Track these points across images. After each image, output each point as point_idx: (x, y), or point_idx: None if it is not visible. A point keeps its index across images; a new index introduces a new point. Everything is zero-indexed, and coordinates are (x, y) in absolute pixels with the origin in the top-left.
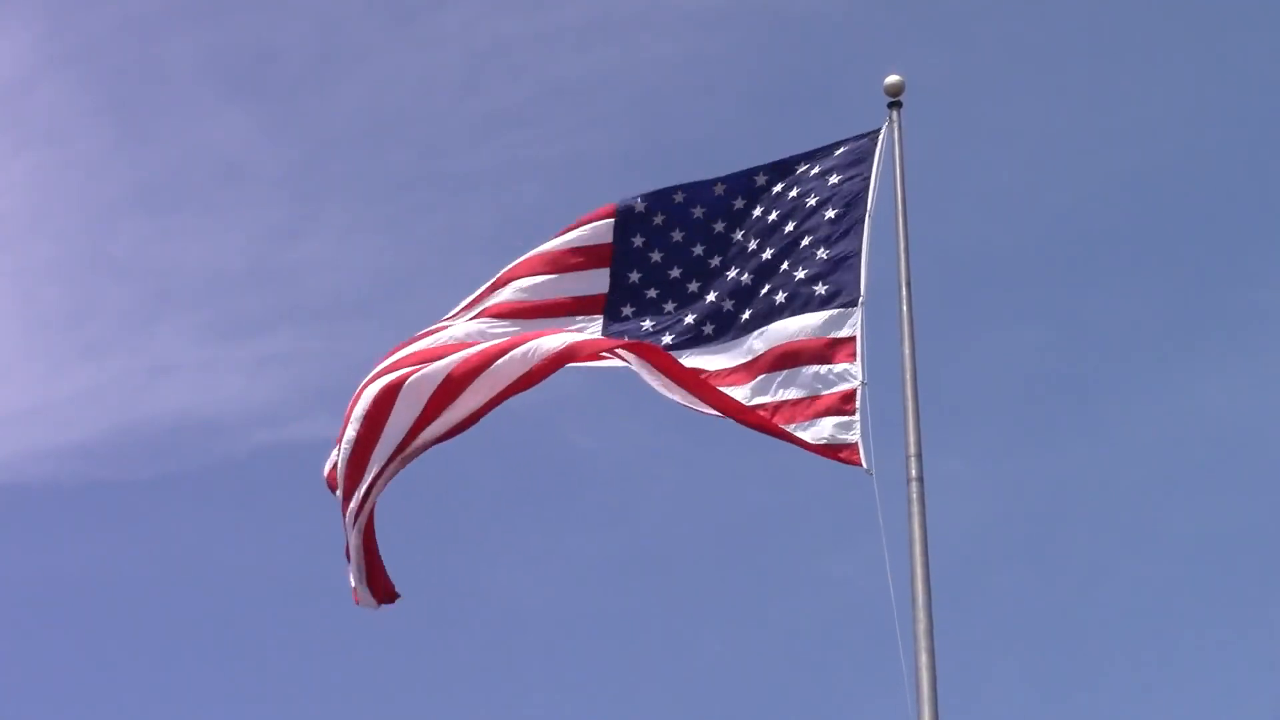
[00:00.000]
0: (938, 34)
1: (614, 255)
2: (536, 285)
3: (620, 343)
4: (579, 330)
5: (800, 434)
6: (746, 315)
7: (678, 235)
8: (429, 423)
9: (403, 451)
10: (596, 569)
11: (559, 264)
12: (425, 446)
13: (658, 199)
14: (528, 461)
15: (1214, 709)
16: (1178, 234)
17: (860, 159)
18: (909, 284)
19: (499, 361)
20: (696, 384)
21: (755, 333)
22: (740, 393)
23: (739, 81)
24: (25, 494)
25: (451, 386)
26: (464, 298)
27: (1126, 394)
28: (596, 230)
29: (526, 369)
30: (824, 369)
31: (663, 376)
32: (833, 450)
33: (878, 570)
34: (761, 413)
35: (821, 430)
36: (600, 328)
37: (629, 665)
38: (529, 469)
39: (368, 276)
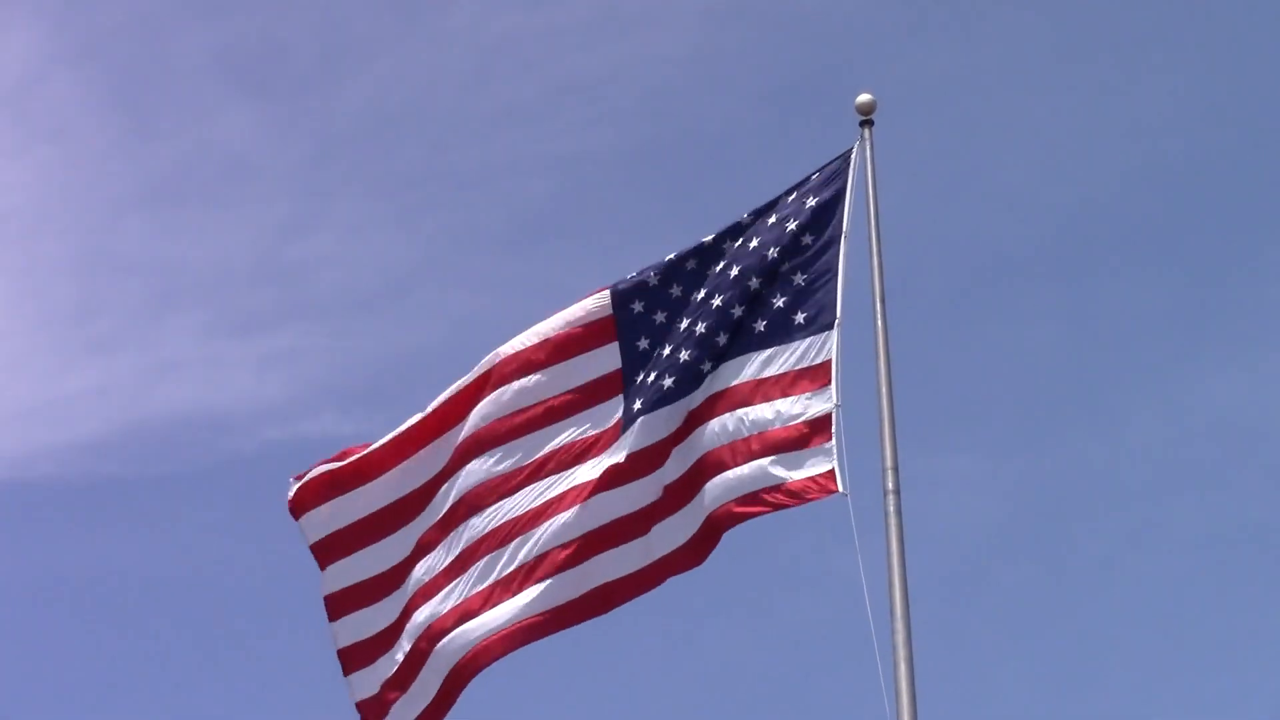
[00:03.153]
0: (945, 30)
1: (617, 325)
2: (541, 384)
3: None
4: (597, 431)
5: (775, 469)
6: (724, 340)
7: (675, 290)
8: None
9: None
10: None
11: (561, 351)
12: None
13: (650, 268)
14: None
15: (1220, 706)
16: (1186, 231)
17: (834, 181)
18: (883, 300)
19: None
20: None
21: (734, 359)
22: (721, 437)
23: (748, 77)
24: (32, 491)
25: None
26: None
27: (1135, 391)
28: (591, 309)
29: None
30: (800, 396)
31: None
32: (809, 485)
33: (878, 571)
34: (732, 453)
35: (800, 459)
36: (620, 409)
37: (629, 664)
38: None
39: (376, 273)
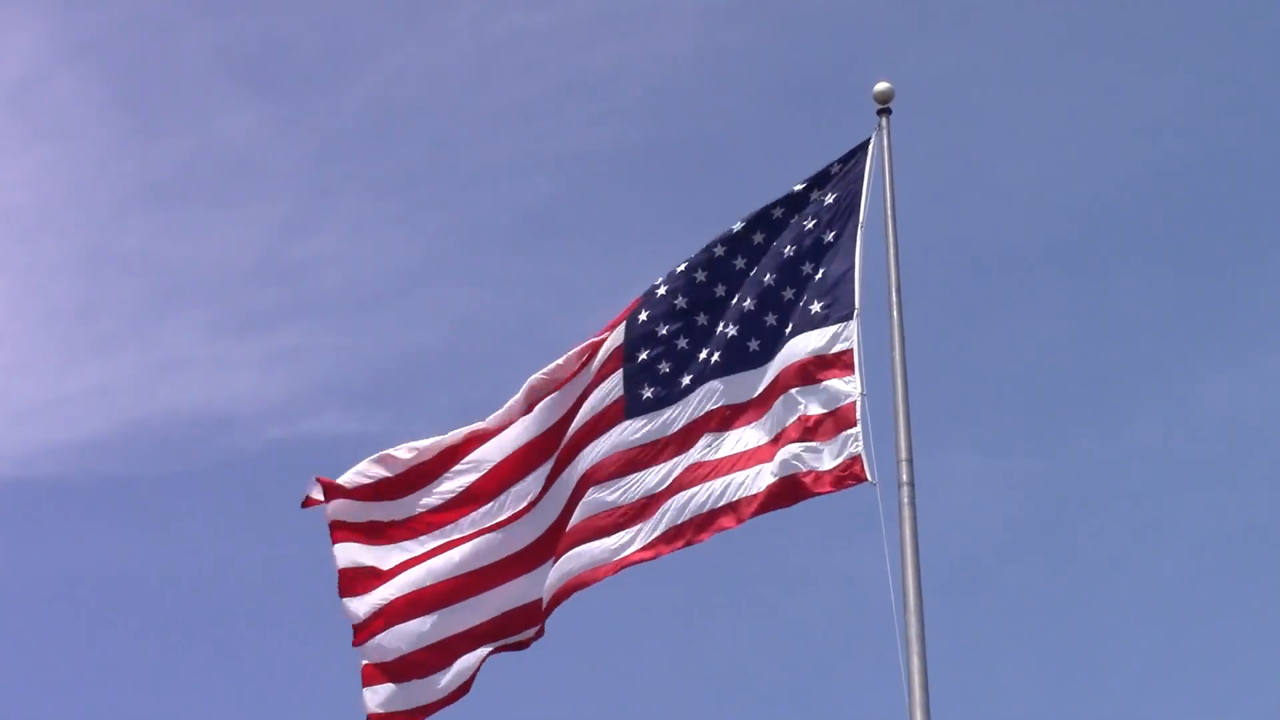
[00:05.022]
0: (952, 27)
1: (624, 346)
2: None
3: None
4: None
5: (801, 459)
6: (755, 345)
7: (681, 302)
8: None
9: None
10: None
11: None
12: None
13: (668, 276)
14: None
15: (1221, 704)
16: (1193, 229)
17: (852, 173)
18: (899, 290)
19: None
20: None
21: (765, 361)
22: (754, 432)
23: (751, 75)
24: (33, 490)
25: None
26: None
27: (1140, 389)
28: (615, 336)
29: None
30: (825, 385)
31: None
32: (839, 473)
33: (881, 568)
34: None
35: (834, 449)
36: (621, 428)
37: (629, 662)
38: None
39: (379, 271)
